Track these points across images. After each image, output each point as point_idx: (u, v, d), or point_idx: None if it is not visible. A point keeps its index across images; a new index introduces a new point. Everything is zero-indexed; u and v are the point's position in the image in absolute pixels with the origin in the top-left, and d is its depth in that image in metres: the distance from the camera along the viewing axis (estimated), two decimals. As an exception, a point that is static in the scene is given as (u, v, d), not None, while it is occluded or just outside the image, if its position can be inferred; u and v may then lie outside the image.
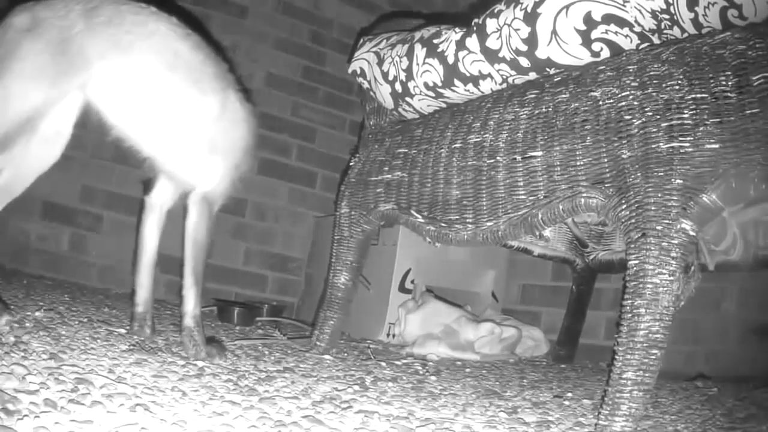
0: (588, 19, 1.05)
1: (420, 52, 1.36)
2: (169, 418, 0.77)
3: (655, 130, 0.94)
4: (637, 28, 1.02)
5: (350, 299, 1.55)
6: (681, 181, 0.89)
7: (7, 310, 1.20)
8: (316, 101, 2.80)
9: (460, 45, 1.27)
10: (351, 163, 1.62)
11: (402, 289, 2.09)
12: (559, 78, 1.16)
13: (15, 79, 1.06)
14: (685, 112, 0.91)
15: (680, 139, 0.91)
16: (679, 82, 0.94)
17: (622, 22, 1.02)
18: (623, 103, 1.00)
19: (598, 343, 2.02)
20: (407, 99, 1.46)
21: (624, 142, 0.98)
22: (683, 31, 0.98)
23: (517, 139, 1.18)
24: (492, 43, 1.20)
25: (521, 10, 1.13)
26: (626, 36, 1.04)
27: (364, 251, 1.55)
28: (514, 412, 1.07)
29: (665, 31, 1.00)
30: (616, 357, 0.90)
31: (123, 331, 1.37)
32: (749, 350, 1.62)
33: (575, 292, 1.90)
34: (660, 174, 0.91)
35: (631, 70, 1.02)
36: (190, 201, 1.25)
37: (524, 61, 1.18)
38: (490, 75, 1.26)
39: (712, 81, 0.90)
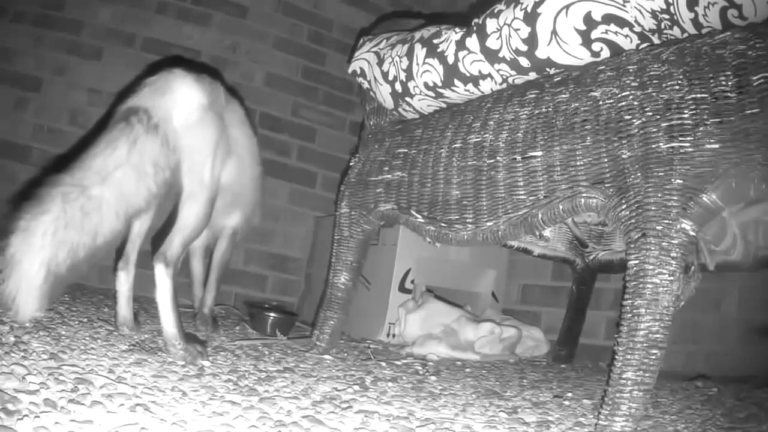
0: (588, 19, 1.05)
1: (420, 52, 1.36)
2: (169, 418, 0.77)
3: (655, 130, 0.94)
4: (637, 28, 1.02)
5: (350, 299, 1.55)
6: (681, 181, 0.89)
7: None
8: (316, 101, 2.80)
9: (460, 45, 1.27)
10: (351, 163, 1.62)
11: (402, 289, 2.08)
12: (559, 78, 1.16)
13: None
14: (685, 112, 0.91)
15: (680, 139, 0.91)
16: (679, 82, 0.94)
17: (622, 22, 1.02)
18: (623, 103, 1.00)
19: (598, 343, 2.02)
20: (407, 99, 1.45)
21: (624, 142, 0.98)
22: (683, 31, 0.98)
23: (517, 139, 1.18)
24: (492, 43, 1.20)
25: (521, 10, 1.13)
26: (626, 36, 1.04)
27: (364, 251, 1.55)
28: (514, 412, 1.07)
29: (665, 31, 1.00)
30: (616, 357, 0.90)
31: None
32: (749, 350, 1.62)
33: (575, 292, 1.90)
34: (660, 174, 0.91)
35: (631, 70, 1.02)
36: (223, 234, 1.73)
37: (524, 61, 1.18)
38: (490, 75, 1.26)
39: (712, 81, 0.90)
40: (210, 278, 1.75)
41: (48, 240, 1.00)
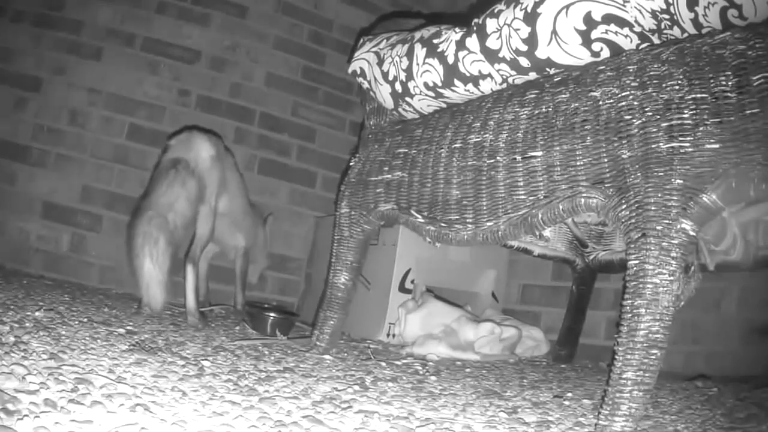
0: (588, 19, 1.05)
1: (420, 52, 1.35)
2: (169, 418, 0.77)
3: (655, 130, 0.94)
4: (637, 28, 1.02)
5: (350, 299, 1.55)
6: (681, 181, 0.89)
7: None
8: (316, 101, 2.80)
9: (460, 45, 1.27)
10: (351, 163, 1.62)
11: (402, 289, 2.08)
12: (559, 78, 1.16)
13: None
14: (685, 112, 0.91)
15: (680, 139, 0.91)
16: (679, 82, 0.94)
17: (622, 22, 1.02)
18: (623, 103, 1.00)
19: (598, 343, 2.02)
20: (407, 99, 1.45)
21: (624, 142, 0.98)
22: (683, 31, 0.98)
23: (517, 139, 1.18)
24: (492, 43, 1.20)
25: (521, 10, 1.13)
26: (626, 36, 1.04)
27: (364, 251, 1.55)
28: (514, 412, 1.07)
29: (665, 31, 1.00)
30: (616, 357, 0.90)
31: (123, 331, 1.37)
32: (750, 350, 1.62)
33: (575, 292, 1.90)
34: (660, 174, 0.91)
35: (631, 70, 1.02)
36: (237, 254, 2.28)
37: (524, 61, 1.18)
38: (490, 75, 1.26)
39: (712, 81, 0.90)
40: (236, 287, 2.30)
41: (161, 252, 1.63)
